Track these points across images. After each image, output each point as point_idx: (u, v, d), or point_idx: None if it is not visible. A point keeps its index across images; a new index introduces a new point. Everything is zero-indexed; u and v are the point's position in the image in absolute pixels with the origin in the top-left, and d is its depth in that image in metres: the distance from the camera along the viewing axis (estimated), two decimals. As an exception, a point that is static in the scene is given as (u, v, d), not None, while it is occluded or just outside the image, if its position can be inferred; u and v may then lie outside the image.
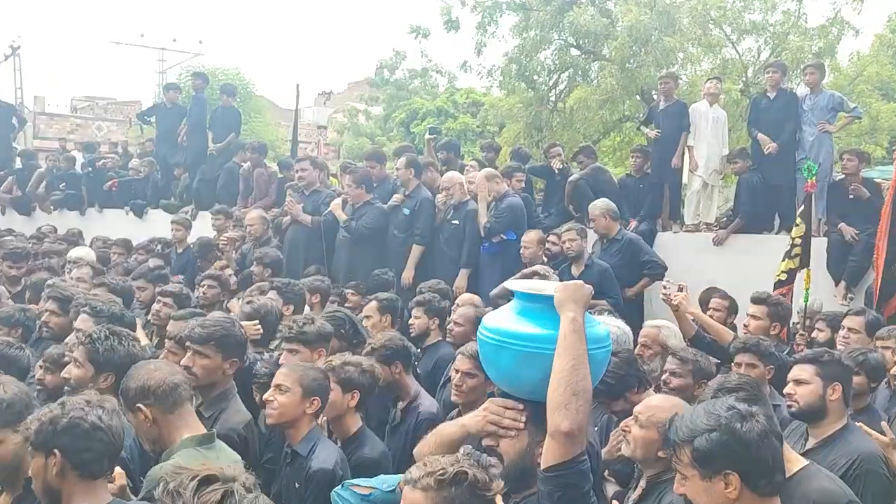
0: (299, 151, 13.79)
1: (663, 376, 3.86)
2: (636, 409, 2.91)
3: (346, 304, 6.14)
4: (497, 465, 2.17)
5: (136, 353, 3.24)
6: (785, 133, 7.71)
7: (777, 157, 7.69)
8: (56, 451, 2.27)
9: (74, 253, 7.64)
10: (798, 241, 6.13)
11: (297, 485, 3.10)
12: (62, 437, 2.28)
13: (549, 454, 2.05)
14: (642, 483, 2.87)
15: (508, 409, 2.22)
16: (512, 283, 2.38)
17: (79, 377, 3.23)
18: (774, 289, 5.93)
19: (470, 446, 2.43)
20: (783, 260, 6.21)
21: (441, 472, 1.86)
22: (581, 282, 2.25)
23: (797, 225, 6.21)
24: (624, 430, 2.92)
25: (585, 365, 2.05)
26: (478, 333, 2.33)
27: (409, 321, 5.17)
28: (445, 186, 7.27)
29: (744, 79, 13.24)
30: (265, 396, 3.25)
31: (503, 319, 2.27)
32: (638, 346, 4.43)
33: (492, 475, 1.91)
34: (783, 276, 6.17)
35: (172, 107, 11.69)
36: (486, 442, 2.25)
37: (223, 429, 3.11)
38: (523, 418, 2.20)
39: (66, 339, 4.33)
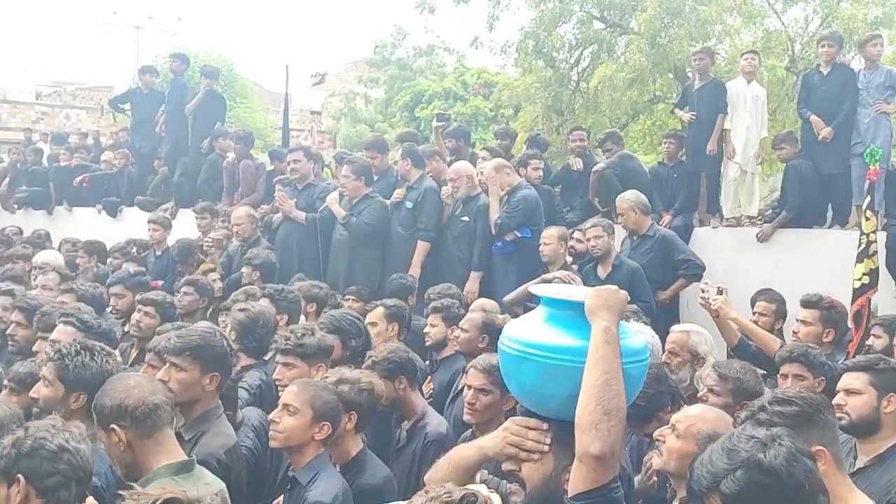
0: (291, 140, 13.81)
1: (700, 393, 3.83)
2: (674, 417, 2.89)
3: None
4: (518, 492, 2.16)
5: (110, 370, 3.24)
6: (840, 114, 7.64)
7: (830, 141, 7.63)
8: (20, 476, 2.29)
9: (40, 257, 7.68)
10: (873, 236, 5.83)
11: (292, 514, 3.12)
12: (26, 461, 2.31)
13: (577, 480, 2.03)
14: (675, 505, 2.84)
15: (531, 429, 2.20)
16: (537, 288, 2.36)
17: (48, 397, 3.24)
18: (855, 297, 5.62)
19: (488, 471, 2.42)
20: (859, 262, 5.86)
21: (447, 495, 1.85)
22: (615, 287, 2.23)
23: (867, 219, 5.92)
24: (658, 440, 2.89)
25: (619, 381, 2.03)
26: (498, 343, 2.32)
27: (424, 329, 5.15)
28: (451, 178, 7.24)
29: (790, 53, 13.15)
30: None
31: (527, 328, 2.25)
32: (665, 354, 4.40)
33: (503, 495, 1.89)
34: (865, 280, 5.77)
35: (149, 92, 11.71)
36: (506, 466, 2.23)
37: (201, 454, 3.10)
38: (548, 440, 2.18)
39: (34, 349, 4.37)
